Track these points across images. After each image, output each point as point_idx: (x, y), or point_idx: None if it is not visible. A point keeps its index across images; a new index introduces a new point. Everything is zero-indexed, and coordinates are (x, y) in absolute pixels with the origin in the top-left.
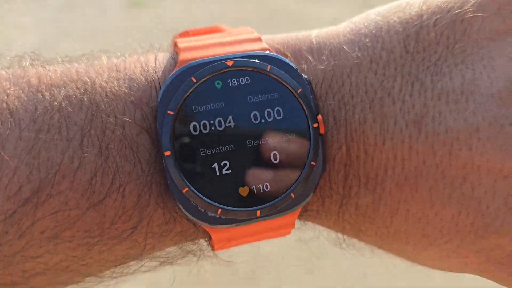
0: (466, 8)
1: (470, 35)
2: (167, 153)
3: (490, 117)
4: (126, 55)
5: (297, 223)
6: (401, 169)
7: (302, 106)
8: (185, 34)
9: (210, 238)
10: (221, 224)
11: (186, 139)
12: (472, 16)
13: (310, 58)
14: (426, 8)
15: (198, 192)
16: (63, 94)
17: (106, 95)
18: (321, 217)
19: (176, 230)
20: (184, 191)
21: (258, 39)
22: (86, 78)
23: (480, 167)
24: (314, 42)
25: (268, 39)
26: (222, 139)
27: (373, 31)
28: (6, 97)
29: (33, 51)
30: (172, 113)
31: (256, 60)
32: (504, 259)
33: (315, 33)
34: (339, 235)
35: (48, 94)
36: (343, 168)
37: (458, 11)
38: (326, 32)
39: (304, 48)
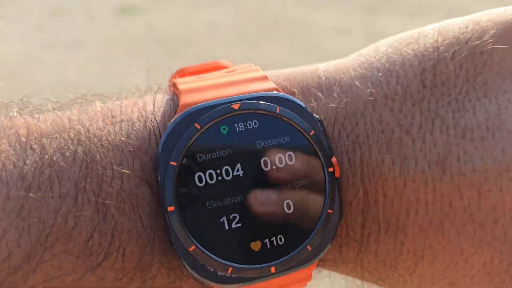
0: (485, 39)
1: (492, 67)
2: (171, 208)
3: None
4: (122, 99)
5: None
6: (425, 213)
7: (316, 150)
8: (183, 72)
9: None
10: (231, 283)
11: (191, 192)
12: (492, 47)
13: (319, 95)
14: (442, 39)
15: (206, 250)
16: (55, 146)
17: (102, 144)
18: (337, 266)
19: None
20: (190, 249)
21: (264, 78)
22: (79, 126)
23: None
24: (323, 78)
25: (273, 75)
26: (231, 189)
27: (386, 65)
28: None
29: (21, 98)
30: (174, 164)
31: (264, 102)
32: None
33: (323, 67)
34: (357, 281)
35: (38, 146)
36: (361, 214)
37: (477, 42)
38: (335, 66)
39: (312, 84)
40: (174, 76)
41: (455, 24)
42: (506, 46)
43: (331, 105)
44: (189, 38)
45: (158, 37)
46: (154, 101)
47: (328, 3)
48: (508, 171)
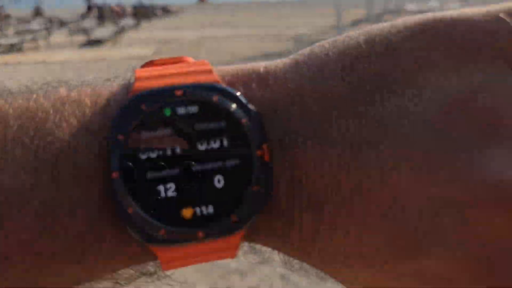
0: (397, 40)
1: (401, 66)
2: (115, 174)
3: (418, 142)
4: (83, 86)
5: (247, 245)
6: (339, 192)
7: (246, 135)
8: (151, 64)
9: (157, 259)
10: (164, 243)
11: (134, 163)
12: (402, 48)
13: (257, 87)
14: (363, 40)
15: (143, 212)
16: (19, 122)
17: (61, 123)
18: (268, 240)
19: (126, 253)
20: (129, 211)
21: (210, 71)
22: (41, 108)
23: (409, 189)
24: (262, 72)
25: (220, 70)
26: (169, 163)
27: (315, 63)
28: None
29: None
30: (122, 138)
31: (204, 91)
32: (439, 283)
33: (264, 64)
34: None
35: (3, 122)
36: (288, 192)
37: (389, 43)
38: (273, 63)
39: (253, 77)
40: (142, 66)
41: (379, 28)
42: (415, 47)
43: (266, 96)
44: None
45: None
46: (110, 88)
47: None
48: (407, 156)
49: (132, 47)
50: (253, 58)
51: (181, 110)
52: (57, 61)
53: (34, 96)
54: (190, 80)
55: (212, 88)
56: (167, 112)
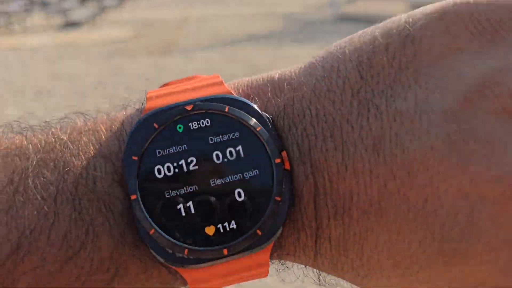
0: (415, 29)
1: (421, 56)
2: (133, 196)
3: (443, 134)
4: (97, 115)
5: (277, 264)
6: (365, 195)
7: (263, 143)
8: (164, 85)
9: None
10: (189, 264)
11: (151, 183)
12: (421, 37)
13: (272, 94)
14: (379, 33)
15: (164, 233)
16: (38, 157)
17: (78, 153)
18: (299, 255)
19: (154, 279)
20: (151, 232)
21: (220, 83)
22: (59, 140)
23: (439, 187)
24: (276, 79)
25: (233, 83)
26: (186, 180)
27: (330, 62)
28: None
29: (17, 119)
30: (136, 158)
31: (215, 103)
32: None
33: (279, 71)
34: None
35: (24, 157)
36: (313, 200)
37: (407, 33)
38: (289, 69)
39: (268, 86)
40: (160, 87)
41: (396, 19)
42: (434, 35)
43: (281, 101)
44: None
45: None
46: (124, 112)
47: None
48: (433, 150)
49: (111, 30)
50: (238, 41)
51: (193, 125)
52: (29, 47)
53: (52, 130)
54: (201, 94)
55: (222, 99)
56: (180, 128)
